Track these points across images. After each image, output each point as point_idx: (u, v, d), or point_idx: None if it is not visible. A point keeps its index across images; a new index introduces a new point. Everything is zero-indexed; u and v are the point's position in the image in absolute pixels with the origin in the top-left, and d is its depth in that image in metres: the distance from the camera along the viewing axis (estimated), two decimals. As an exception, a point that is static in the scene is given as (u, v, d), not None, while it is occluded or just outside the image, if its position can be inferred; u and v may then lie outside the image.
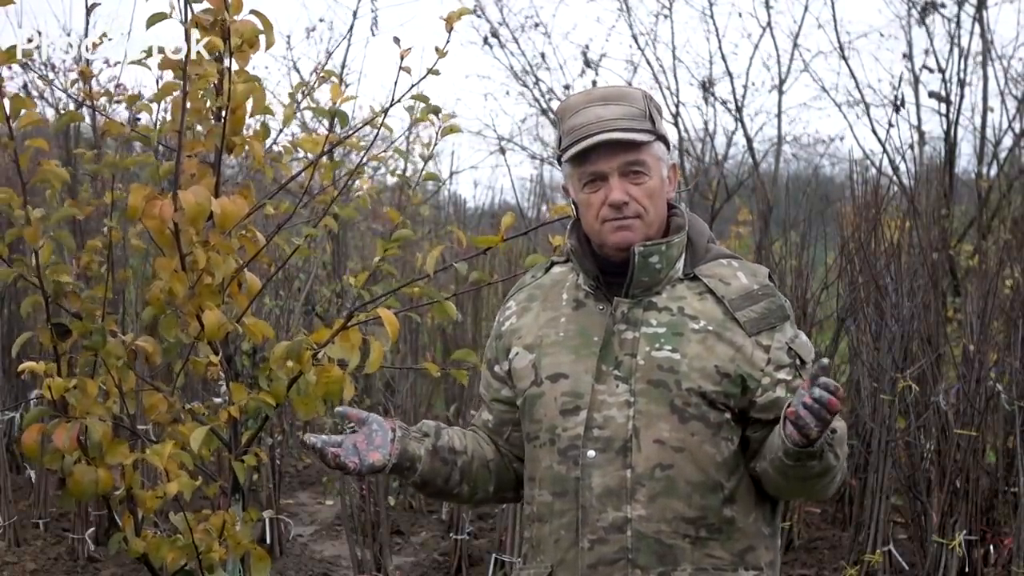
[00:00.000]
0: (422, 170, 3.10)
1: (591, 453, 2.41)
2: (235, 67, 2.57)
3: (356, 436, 2.41)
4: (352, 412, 2.44)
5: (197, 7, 2.53)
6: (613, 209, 2.43)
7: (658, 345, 2.42)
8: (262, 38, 2.58)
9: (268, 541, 6.12)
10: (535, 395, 2.49)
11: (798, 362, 2.44)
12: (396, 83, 2.73)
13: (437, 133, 2.82)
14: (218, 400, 4.86)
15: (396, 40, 2.67)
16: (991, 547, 5.62)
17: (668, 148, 2.52)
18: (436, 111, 2.77)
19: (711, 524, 2.40)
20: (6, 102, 2.70)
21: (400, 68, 2.66)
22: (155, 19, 2.52)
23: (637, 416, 2.40)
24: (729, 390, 2.41)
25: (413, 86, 2.68)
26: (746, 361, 2.41)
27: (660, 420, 2.39)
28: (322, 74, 2.84)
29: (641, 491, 2.39)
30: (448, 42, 2.70)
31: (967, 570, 5.55)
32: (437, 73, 2.71)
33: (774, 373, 2.42)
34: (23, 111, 2.70)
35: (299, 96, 2.92)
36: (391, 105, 2.72)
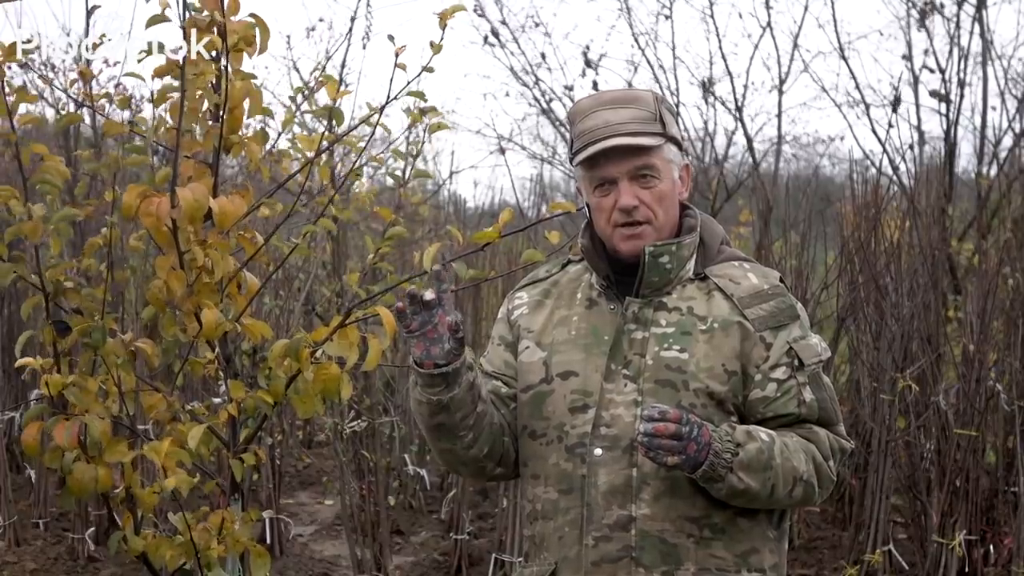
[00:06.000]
0: (408, 167, 3.10)
1: (598, 451, 2.42)
2: (231, 67, 2.57)
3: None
4: (444, 276, 2.36)
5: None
6: (623, 213, 2.44)
7: (667, 345, 2.43)
8: (258, 39, 2.58)
9: (268, 541, 6.12)
10: (544, 392, 2.49)
11: (796, 362, 2.42)
12: (392, 80, 2.72)
13: (425, 131, 2.83)
14: (217, 400, 4.86)
15: (391, 38, 2.67)
16: (991, 547, 5.63)
17: (681, 150, 2.52)
18: (433, 110, 2.76)
19: (715, 524, 2.41)
20: (7, 99, 2.70)
21: (396, 65, 2.66)
22: (154, 20, 2.53)
23: None
24: (737, 389, 2.42)
25: (409, 83, 2.68)
26: (746, 357, 2.42)
27: None
28: (320, 79, 2.83)
29: (646, 490, 2.40)
30: (442, 37, 2.69)
31: (967, 570, 5.56)
32: (431, 70, 2.70)
33: (768, 371, 2.42)
34: (23, 107, 2.70)
35: (299, 99, 2.92)
36: (387, 103, 2.71)
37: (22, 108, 2.72)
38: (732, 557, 2.42)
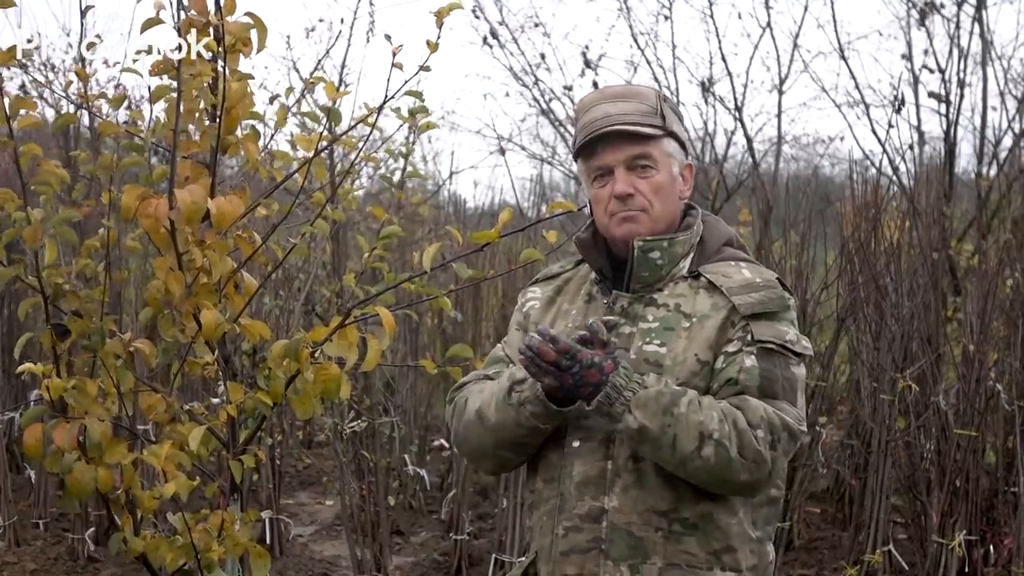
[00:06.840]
0: (404, 168, 3.11)
1: (576, 442, 2.44)
2: (228, 67, 2.57)
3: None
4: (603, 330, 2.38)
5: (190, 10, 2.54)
6: (619, 201, 2.46)
7: (648, 340, 2.44)
8: (255, 39, 2.58)
9: (268, 541, 6.12)
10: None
11: (749, 337, 2.39)
12: (389, 80, 2.72)
13: (415, 131, 2.84)
14: (216, 400, 4.86)
15: (387, 37, 2.67)
16: (991, 547, 5.62)
17: (683, 147, 2.54)
18: (424, 110, 2.76)
19: (685, 519, 2.39)
20: (5, 101, 2.71)
21: (392, 65, 2.66)
22: (149, 24, 2.53)
23: None
24: (711, 378, 2.41)
25: (406, 82, 2.68)
26: (719, 345, 2.41)
27: None
28: (311, 80, 2.84)
29: (618, 482, 2.41)
30: (439, 36, 2.69)
31: (967, 570, 5.55)
32: (428, 69, 2.71)
33: (723, 346, 2.41)
34: (23, 111, 2.70)
35: (289, 99, 2.92)
36: (385, 102, 2.72)
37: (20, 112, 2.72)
38: (704, 554, 2.40)
